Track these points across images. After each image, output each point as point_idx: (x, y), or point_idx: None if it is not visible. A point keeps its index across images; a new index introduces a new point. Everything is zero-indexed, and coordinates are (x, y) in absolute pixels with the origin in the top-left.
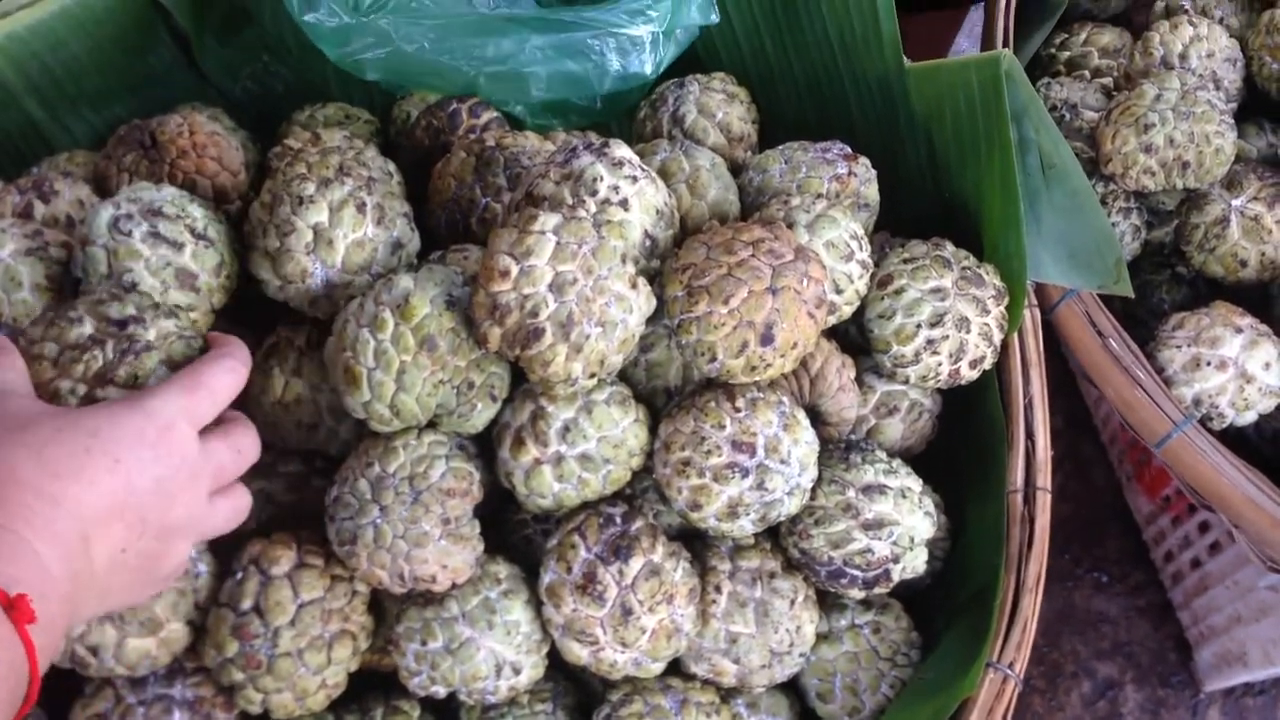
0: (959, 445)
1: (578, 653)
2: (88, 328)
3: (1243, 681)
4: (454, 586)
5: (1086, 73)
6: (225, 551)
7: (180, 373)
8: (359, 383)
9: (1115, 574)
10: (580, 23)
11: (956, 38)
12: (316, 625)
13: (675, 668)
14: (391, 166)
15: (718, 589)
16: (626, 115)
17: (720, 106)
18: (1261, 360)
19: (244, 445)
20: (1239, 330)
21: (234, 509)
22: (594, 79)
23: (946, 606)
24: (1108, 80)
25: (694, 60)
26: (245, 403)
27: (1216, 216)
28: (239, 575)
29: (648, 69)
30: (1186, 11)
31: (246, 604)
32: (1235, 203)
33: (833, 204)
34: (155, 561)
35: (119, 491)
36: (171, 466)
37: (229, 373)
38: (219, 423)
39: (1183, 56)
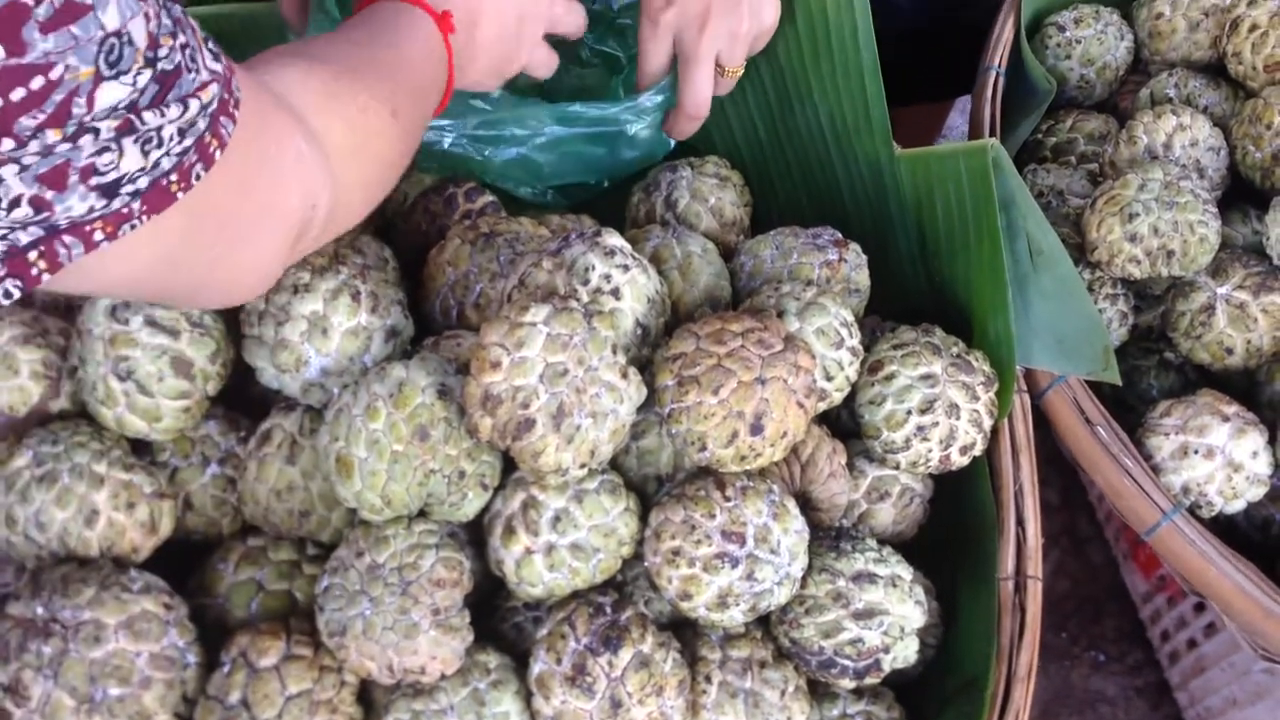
0: (951, 530)
1: None
2: None
3: None
4: (443, 677)
5: (1073, 159)
6: (214, 640)
7: None
8: (351, 472)
9: (1113, 653)
10: (590, 117)
11: (950, 114)
12: (305, 718)
13: None
14: (387, 252)
15: (708, 679)
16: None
17: (713, 191)
18: (1249, 449)
19: None
20: (1226, 419)
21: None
22: (605, 165)
23: (939, 695)
24: (1093, 166)
25: (687, 144)
26: (237, 490)
27: (1202, 304)
28: (226, 667)
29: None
30: (1170, 100)
31: (234, 697)
32: (1220, 290)
33: (823, 290)
34: (514, 43)
35: None
36: None
37: None
38: None
39: (1166, 146)
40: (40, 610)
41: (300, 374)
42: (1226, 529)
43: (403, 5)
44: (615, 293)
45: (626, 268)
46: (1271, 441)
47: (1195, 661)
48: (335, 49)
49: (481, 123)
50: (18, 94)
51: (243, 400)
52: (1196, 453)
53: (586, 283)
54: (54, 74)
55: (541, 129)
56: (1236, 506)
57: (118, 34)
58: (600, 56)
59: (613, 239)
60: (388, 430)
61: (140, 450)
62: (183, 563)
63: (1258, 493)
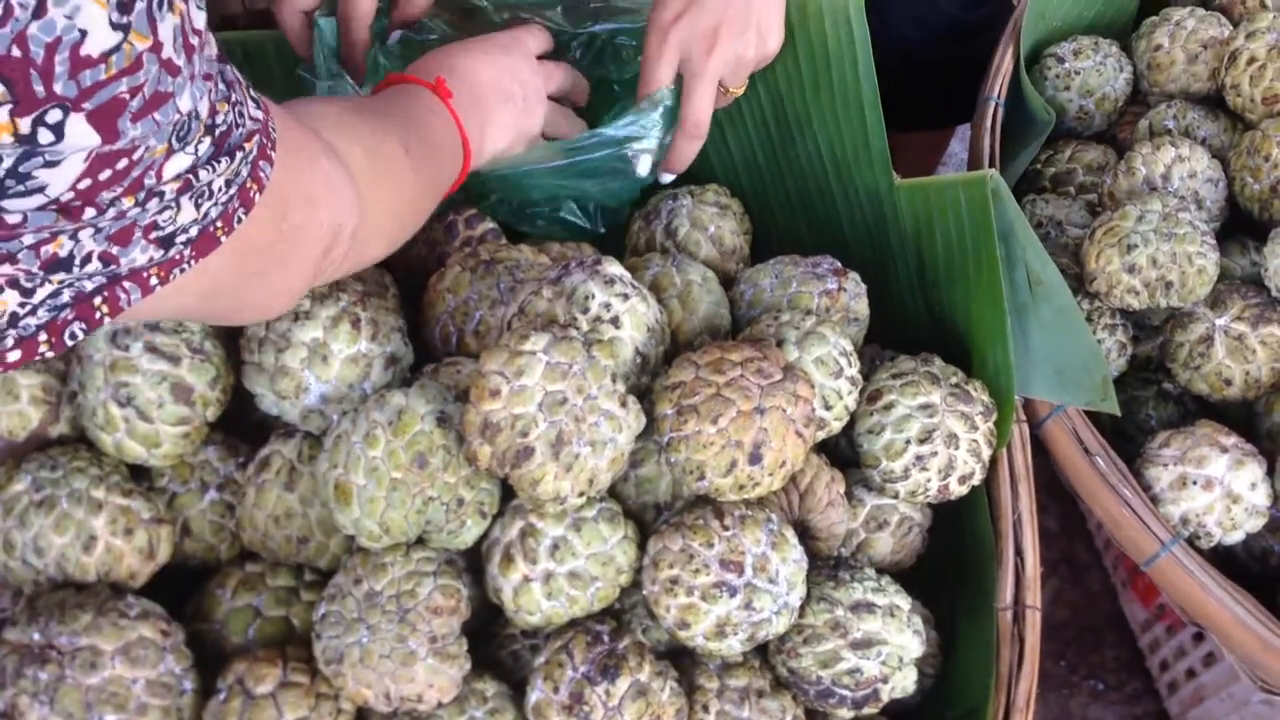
0: (950, 560)
1: None
2: None
3: None
4: (440, 705)
5: (1072, 189)
6: (212, 667)
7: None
8: (350, 498)
9: (1112, 682)
10: (594, 144)
11: (950, 143)
12: None
13: None
14: (388, 278)
15: (705, 708)
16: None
17: (713, 220)
18: (1248, 480)
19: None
20: (1224, 450)
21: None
22: (613, 190)
23: None
24: (1092, 197)
25: (688, 172)
26: (236, 516)
27: (1200, 335)
28: (223, 694)
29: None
30: (1169, 132)
31: None
32: (1219, 322)
33: (822, 320)
34: (522, 115)
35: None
36: (517, 60)
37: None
38: None
39: (1165, 177)
40: (37, 636)
41: (300, 400)
42: (1225, 560)
43: (398, 85)
44: (615, 321)
45: (626, 296)
46: (1270, 473)
47: (1194, 691)
48: (341, 99)
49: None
50: (105, 174)
51: (242, 426)
52: (1195, 484)
53: (586, 311)
54: (136, 155)
55: (535, 163)
56: (1235, 538)
57: (190, 114)
58: (593, 80)
59: (613, 267)
60: (386, 457)
61: (139, 476)
62: (181, 588)
63: (1256, 524)
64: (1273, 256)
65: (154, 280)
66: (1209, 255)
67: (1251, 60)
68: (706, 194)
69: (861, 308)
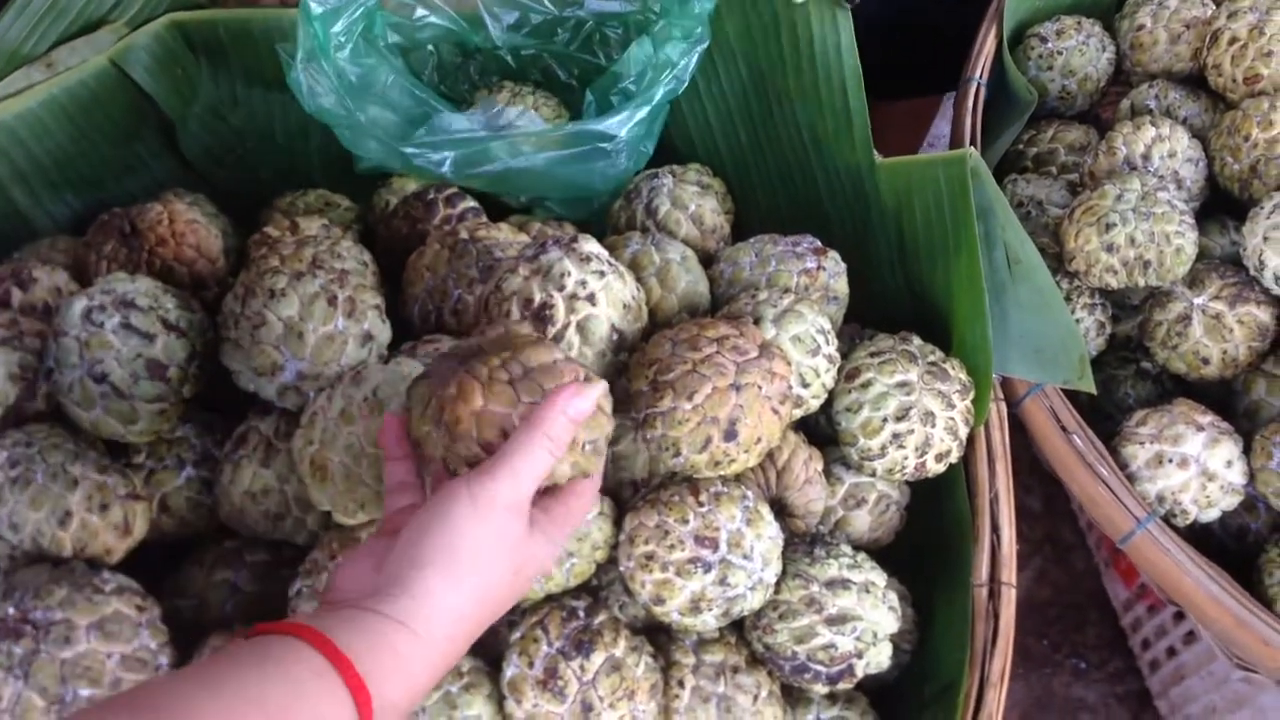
0: (928, 537)
1: None
2: None
3: None
4: None
5: (1053, 169)
6: (189, 641)
7: (503, 456)
8: (326, 475)
9: (1094, 660)
10: (581, 136)
11: (935, 121)
12: None
13: None
14: (367, 256)
15: (681, 684)
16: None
17: (693, 199)
18: (1223, 458)
19: (535, 467)
20: (1200, 428)
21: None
22: (595, 176)
23: (914, 700)
24: (1074, 176)
25: (671, 151)
26: (213, 492)
27: (1179, 314)
28: None
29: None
30: (1150, 112)
31: None
32: (1197, 301)
33: (800, 298)
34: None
35: (474, 597)
36: (509, 563)
37: (548, 454)
38: None
39: (1145, 156)
40: (11, 610)
41: (276, 378)
42: (1203, 538)
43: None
44: (591, 299)
45: (602, 274)
46: (1246, 451)
47: (1175, 669)
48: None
49: (461, 155)
50: None
51: (220, 403)
52: (1171, 461)
53: (562, 289)
54: None
55: (520, 150)
56: (1211, 515)
57: None
58: (578, 66)
59: (589, 245)
60: (362, 434)
61: (116, 452)
62: (160, 564)
63: (1232, 501)
64: (1251, 236)
65: None
66: (1187, 234)
67: (1233, 40)
68: (688, 173)
69: (841, 286)
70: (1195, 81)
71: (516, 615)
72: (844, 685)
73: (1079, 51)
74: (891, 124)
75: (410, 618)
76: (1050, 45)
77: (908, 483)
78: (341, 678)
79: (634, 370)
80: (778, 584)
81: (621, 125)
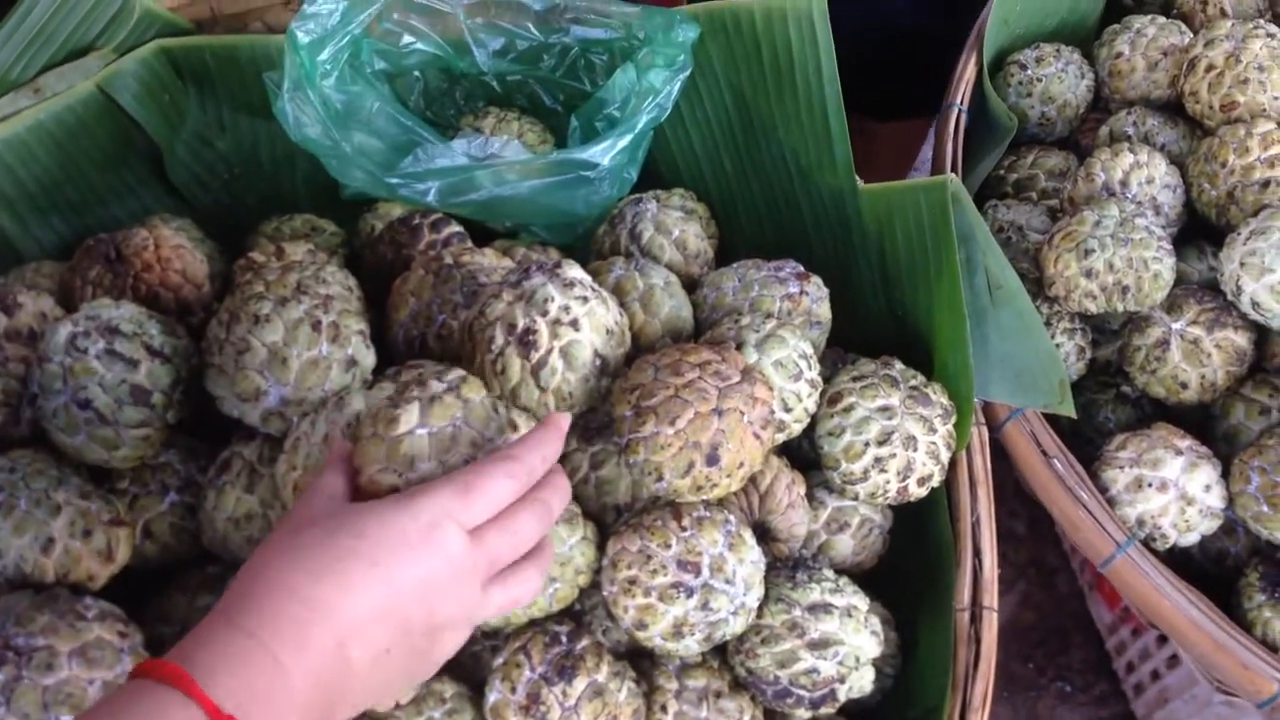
0: (910, 561)
1: None
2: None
3: None
4: (398, 706)
5: (1034, 195)
6: None
7: (458, 471)
8: None
9: (1079, 684)
10: (565, 164)
11: (922, 148)
12: None
13: None
14: (352, 282)
15: (664, 709)
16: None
17: (677, 224)
18: (1202, 482)
19: (521, 529)
20: (1179, 452)
21: (510, 598)
22: (579, 203)
23: None
24: (1054, 202)
25: (656, 177)
26: (197, 518)
27: (1157, 339)
28: None
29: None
30: (1129, 138)
31: None
32: (1175, 326)
33: (783, 323)
34: (423, 657)
35: (377, 594)
36: (434, 567)
37: (509, 478)
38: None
39: (1123, 183)
40: None
41: (260, 403)
42: (1183, 561)
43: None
44: (574, 324)
45: (585, 299)
46: (1225, 475)
47: (1159, 693)
48: None
49: (446, 184)
50: None
51: (204, 428)
52: (1150, 485)
53: (545, 314)
54: None
55: (505, 178)
56: (1190, 539)
57: None
58: (563, 91)
59: (573, 271)
60: None
61: (100, 478)
62: (143, 590)
63: (1211, 525)
64: (1228, 261)
65: None
66: (1165, 260)
67: (1210, 68)
68: (672, 198)
69: (824, 311)
70: (1173, 108)
71: (499, 640)
72: (826, 710)
73: (1058, 78)
74: (882, 148)
75: (282, 648)
76: (1030, 72)
77: (890, 507)
78: None
79: (617, 395)
80: (760, 608)
81: (605, 153)
